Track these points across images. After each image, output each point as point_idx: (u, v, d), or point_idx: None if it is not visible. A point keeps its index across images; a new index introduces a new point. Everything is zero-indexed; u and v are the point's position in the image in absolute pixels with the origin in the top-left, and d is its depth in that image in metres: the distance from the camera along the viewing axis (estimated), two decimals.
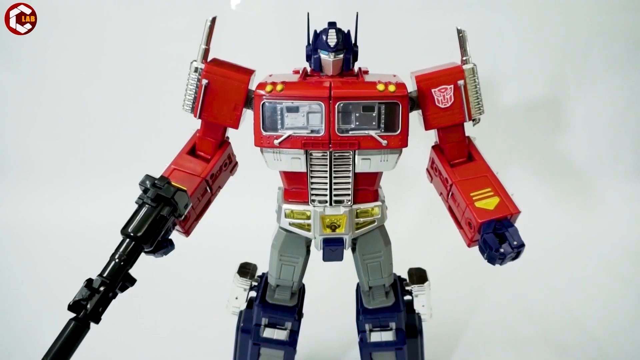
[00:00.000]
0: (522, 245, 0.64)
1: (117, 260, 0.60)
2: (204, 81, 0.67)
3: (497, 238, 0.64)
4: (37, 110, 1.57)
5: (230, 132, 0.75)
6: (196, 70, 0.68)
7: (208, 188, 0.74)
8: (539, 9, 1.38)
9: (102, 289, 0.58)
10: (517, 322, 1.14)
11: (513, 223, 0.66)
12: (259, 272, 0.86)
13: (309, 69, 0.71)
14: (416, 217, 1.53)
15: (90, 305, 0.57)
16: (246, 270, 0.84)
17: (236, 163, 0.79)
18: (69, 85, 1.53)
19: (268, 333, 0.80)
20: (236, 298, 0.84)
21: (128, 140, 1.55)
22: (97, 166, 1.59)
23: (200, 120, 0.72)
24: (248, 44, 1.39)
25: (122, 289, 0.61)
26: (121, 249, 0.60)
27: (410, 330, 0.83)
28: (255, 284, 0.83)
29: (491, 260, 0.66)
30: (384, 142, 0.64)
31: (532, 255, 1.35)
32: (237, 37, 1.40)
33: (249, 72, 0.70)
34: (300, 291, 0.84)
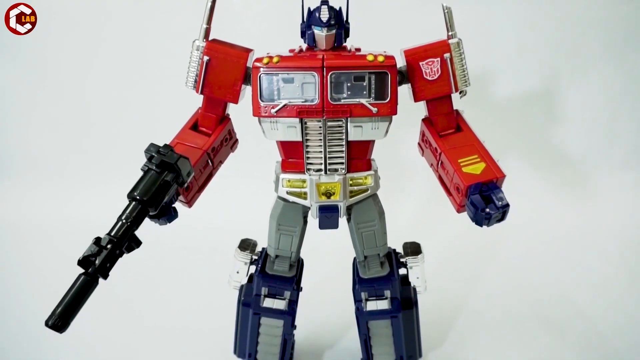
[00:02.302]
0: (506, 205, 0.67)
1: (124, 220, 0.63)
2: (205, 58, 0.72)
3: (483, 200, 0.68)
4: (38, 107, 1.60)
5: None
6: (198, 48, 0.72)
7: (209, 161, 0.78)
8: (532, 2, 1.42)
9: (109, 246, 0.61)
10: (512, 304, 1.16)
11: (499, 186, 0.70)
12: (258, 248, 0.89)
13: (304, 47, 0.75)
14: (414, 210, 1.56)
15: (98, 261, 0.60)
16: (246, 245, 0.87)
17: (236, 140, 0.83)
18: (70, 81, 1.56)
19: (268, 303, 0.83)
20: (237, 272, 0.87)
21: (130, 137, 1.58)
22: (99, 163, 1.62)
23: (201, 98, 0.76)
24: (246, 29, 1.44)
25: (129, 250, 0.65)
26: (128, 211, 0.64)
27: (406, 302, 0.86)
28: (256, 257, 0.86)
29: (478, 221, 0.69)
30: (375, 110, 0.68)
31: (528, 244, 1.39)
32: (236, 21, 1.44)
33: (248, 50, 0.74)
34: (299, 264, 0.87)
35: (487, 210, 0.67)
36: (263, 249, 0.87)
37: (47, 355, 0.98)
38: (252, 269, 0.87)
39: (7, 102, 1.61)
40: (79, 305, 0.59)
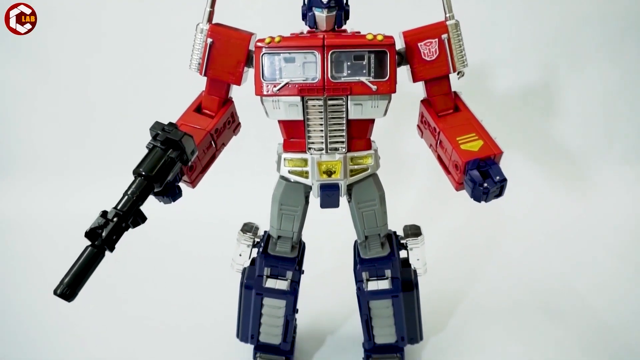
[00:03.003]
0: (504, 180, 0.69)
1: (129, 195, 0.65)
2: (209, 40, 0.74)
3: (481, 175, 0.69)
4: (39, 103, 1.62)
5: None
6: (201, 31, 0.74)
7: (213, 142, 0.79)
8: None
9: (115, 219, 0.63)
10: (513, 293, 1.17)
11: (497, 162, 0.71)
12: (260, 232, 0.91)
13: (305, 30, 0.77)
14: (415, 203, 1.57)
15: (105, 233, 0.62)
16: (249, 228, 0.89)
17: (239, 124, 0.85)
18: (71, 77, 1.58)
19: (270, 283, 0.84)
20: (240, 255, 0.89)
21: (131, 133, 1.58)
22: (100, 159, 1.64)
23: (204, 83, 0.78)
24: (249, 17, 1.46)
25: (135, 224, 0.66)
26: (133, 187, 0.66)
27: (406, 284, 0.87)
28: (258, 240, 0.88)
29: (476, 197, 0.70)
30: (374, 88, 0.70)
31: (529, 236, 1.40)
32: (238, 7, 1.46)
33: (250, 34, 0.76)
34: (300, 246, 0.88)
35: (485, 185, 0.68)
36: (265, 232, 0.89)
37: (48, 352, 0.99)
38: (255, 252, 0.88)
39: (9, 98, 1.62)
40: (86, 275, 0.61)
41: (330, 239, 1.23)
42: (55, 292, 0.59)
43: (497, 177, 0.68)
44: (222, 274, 0.99)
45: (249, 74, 0.77)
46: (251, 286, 0.86)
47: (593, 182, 1.55)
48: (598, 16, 1.46)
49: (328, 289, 1.18)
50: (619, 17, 1.46)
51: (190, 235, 1.45)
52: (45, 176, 1.66)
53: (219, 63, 0.75)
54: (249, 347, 0.95)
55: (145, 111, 1.59)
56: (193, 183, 0.79)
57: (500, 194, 0.71)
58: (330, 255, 1.28)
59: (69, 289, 0.59)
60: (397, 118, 1.54)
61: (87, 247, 0.62)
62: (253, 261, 0.89)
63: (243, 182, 1.56)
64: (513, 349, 0.99)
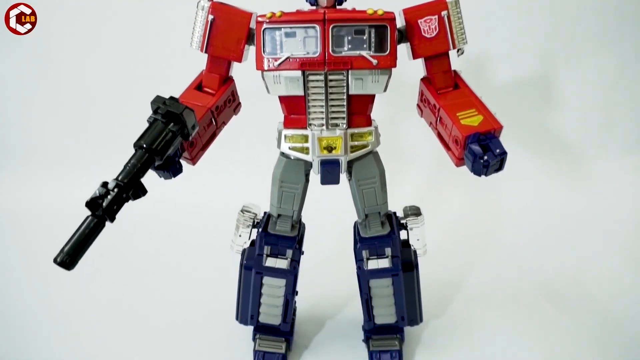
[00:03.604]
0: (504, 152, 0.69)
1: (130, 166, 0.65)
2: (210, 17, 0.74)
3: (481, 149, 0.69)
4: (39, 95, 1.62)
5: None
6: (203, 8, 0.75)
7: (213, 120, 0.80)
8: None
9: (116, 190, 0.63)
10: (514, 279, 1.18)
11: (496, 137, 0.72)
12: (261, 214, 0.90)
13: (306, 8, 0.78)
14: (415, 195, 1.57)
15: (105, 203, 0.62)
16: (249, 208, 0.89)
17: (239, 103, 0.85)
18: (71, 69, 1.58)
19: (270, 262, 0.84)
20: (239, 236, 0.89)
21: (131, 125, 1.60)
22: (100, 150, 1.62)
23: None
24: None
25: (135, 196, 0.66)
26: (134, 159, 0.66)
27: (406, 265, 0.87)
28: (258, 221, 0.88)
29: (476, 171, 0.70)
30: (375, 62, 0.70)
31: (529, 227, 1.41)
32: None
33: (250, 12, 0.76)
34: (300, 226, 0.88)
35: (485, 157, 0.68)
36: (265, 212, 0.89)
37: (46, 341, 0.98)
38: (254, 233, 0.88)
39: (9, 90, 1.62)
40: (86, 244, 0.61)
41: (330, 227, 1.23)
42: (55, 261, 0.59)
43: (497, 150, 0.69)
44: (220, 262, 1.00)
45: (250, 51, 0.77)
46: (251, 266, 0.86)
47: (592, 173, 1.56)
48: (595, 7, 1.47)
49: (328, 276, 1.18)
50: (616, 8, 1.47)
51: (188, 226, 1.45)
52: (45, 168, 1.65)
53: (219, 40, 0.75)
54: (248, 331, 0.95)
55: (146, 104, 1.59)
56: (193, 160, 0.79)
57: (500, 167, 0.71)
58: (331, 242, 1.28)
59: (69, 257, 0.59)
60: (396, 110, 1.56)
61: (87, 217, 0.62)
62: (253, 242, 0.89)
63: (242, 174, 1.56)
64: (513, 333, 0.99)
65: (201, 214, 1.48)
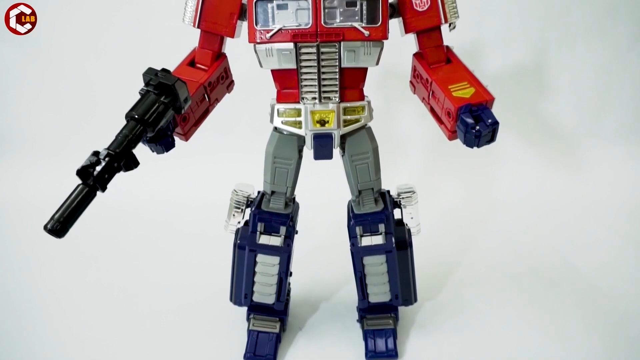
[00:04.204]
0: (496, 122, 0.69)
1: (121, 137, 0.65)
2: None
3: (473, 120, 0.69)
4: (39, 84, 1.61)
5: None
6: None
7: (206, 96, 0.80)
8: None
9: (107, 159, 0.63)
10: (509, 263, 1.19)
11: (488, 107, 0.72)
12: (254, 194, 0.90)
13: None
14: (409, 181, 1.57)
15: (96, 171, 0.61)
16: (242, 188, 0.89)
17: (232, 81, 0.85)
18: (71, 58, 1.58)
19: (264, 240, 0.84)
20: (233, 216, 0.88)
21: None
22: (99, 141, 1.60)
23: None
24: None
25: (127, 168, 0.66)
26: (126, 130, 0.66)
27: (400, 244, 0.87)
28: (252, 200, 0.87)
29: (468, 141, 0.71)
30: (367, 33, 0.70)
31: (523, 214, 1.41)
32: None
33: None
34: (294, 205, 0.88)
35: (477, 127, 0.69)
36: (259, 192, 0.89)
37: (44, 333, 0.97)
38: (248, 213, 0.88)
39: (8, 78, 1.61)
40: (77, 212, 0.60)
41: (325, 213, 1.22)
42: (45, 227, 0.59)
43: (489, 120, 0.69)
44: (214, 249, 0.99)
45: (243, 27, 0.77)
46: (244, 246, 0.85)
47: (585, 160, 1.56)
48: None
49: (322, 261, 1.18)
50: None
51: (182, 215, 1.44)
52: (44, 158, 1.65)
53: (212, 15, 0.75)
54: (243, 312, 0.95)
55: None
56: (186, 135, 0.79)
57: (492, 139, 0.71)
58: (325, 228, 1.28)
59: (60, 224, 0.59)
60: (391, 100, 1.56)
61: (78, 185, 0.61)
62: (246, 223, 0.89)
63: (235, 164, 1.55)
64: (507, 313, 1.00)
65: (195, 203, 1.48)
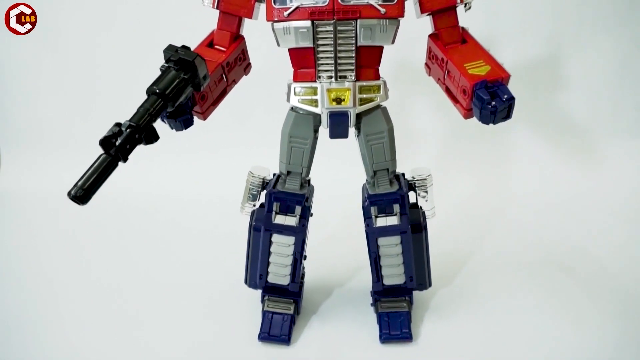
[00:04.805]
0: (512, 98, 0.69)
1: (142, 110, 0.66)
2: None
3: (489, 95, 0.70)
4: (44, 76, 1.63)
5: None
6: None
7: (224, 76, 0.81)
8: None
9: (128, 130, 0.64)
10: (524, 251, 1.18)
11: (504, 84, 0.72)
12: (269, 176, 0.91)
13: None
14: None
15: (119, 141, 0.63)
16: (259, 169, 0.90)
17: (249, 64, 0.87)
18: (78, 51, 1.59)
19: (279, 220, 0.85)
20: (249, 197, 0.89)
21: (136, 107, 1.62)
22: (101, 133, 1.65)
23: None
24: None
25: (147, 141, 0.68)
26: (147, 103, 0.67)
27: (415, 227, 0.87)
28: (267, 181, 0.88)
29: (484, 117, 0.71)
30: (383, 11, 0.71)
31: (538, 207, 1.40)
32: None
33: None
34: (310, 187, 0.89)
35: (493, 103, 0.69)
36: (274, 174, 0.90)
37: (49, 327, 0.96)
38: (263, 196, 0.89)
39: (15, 72, 1.63)
40: (99, 181, 0.62)
41: (340, 202, 1.22)
42: (69, 194, 0.60)
43: (505, 96, 0.69)
44: (223, 245, 0.99)
45: (261, 9, 0.79)
46: (259, 227, 0.86)
47: (600, 155, 1.55)
48: None
49: (337, 250, 1.18)
50: None
51: (194, 210, 1.44)
52: (50, 151, 1.66)
53: None
54: (257, 295, 0.95)
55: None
56: (204, 114, 0.81)
57: (508, 115, 0.71)
58: (340, 217, 1.28)
59: (83, 191, 0.60)
60: (406, 95, 1.57)
61: (100, 155, 0.63)
62: (262, 205, 0.90)
63: (246, 158, 1.57)
64: (522, 299, 0.99)
65: (205, 199, 1.47)
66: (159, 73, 0.70)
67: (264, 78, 1.12)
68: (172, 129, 0.77)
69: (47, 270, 1.15)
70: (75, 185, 0.60)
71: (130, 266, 1.16)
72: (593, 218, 1.34)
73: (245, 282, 0.93)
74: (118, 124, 0.65)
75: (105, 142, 0.63)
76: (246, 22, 0.81)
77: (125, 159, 0.64)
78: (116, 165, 0.63)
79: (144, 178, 1.53)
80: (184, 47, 0.71)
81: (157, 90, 0.67)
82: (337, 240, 1.23)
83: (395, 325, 0.88)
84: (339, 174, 1.25)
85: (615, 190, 1.46)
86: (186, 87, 0.70)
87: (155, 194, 1.52)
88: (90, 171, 0.61)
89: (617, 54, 1.51)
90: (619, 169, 1.52)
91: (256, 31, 0.84)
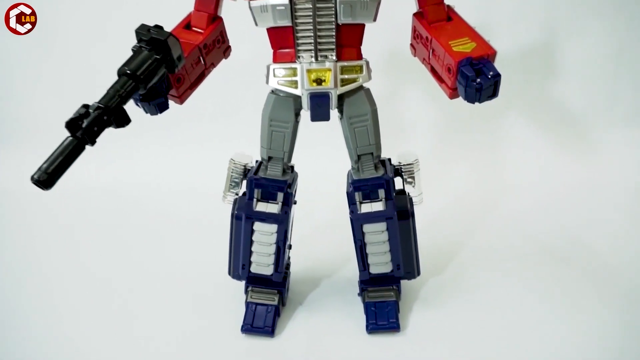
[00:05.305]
0: (497, 75, 0.67)
1: (112, 91, 0.64)
2: None
3: (474, 72, 0.67)
4: (42, 71, 1.60)
5: None
6: None
7: (202, 59, 0.78)
8: None
9: (97, 111, 0.61)
10: (516, 244, 1.14)
11: (490, 61, 0.69)
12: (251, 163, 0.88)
13: None
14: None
15: (86, 123, 0.60)
16: (240, 156, 0.87)
17: (229, 47, 0.84)
18: (77, 47, 1.57)
19: (261, 207, 0.82)
20: (231, 185, 0.87)
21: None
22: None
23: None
24: None
25: (118, 124, 0.65)
26: (117, 85, 0.65)
27: (402, 213, 0.84)
28: (249, 169, 0.86)
29: (469, 96, 0.68)
30: None
31: (533, 198, 1.38)
32: None
33: None
34: (293, 173, 0.86)
35: (478, 80, 0.66)
36: (257, 161, 0.87)
37: (43, 318, 0.94)
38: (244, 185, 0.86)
39: (11, 64, 1.60)
40: (65, 165, 0.59)
41: (326, 191, 1.19)
42: (32, 178, 0.58)
43: (491, 73, 0.66)
44: (212, 231, 0.97)
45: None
46: (241, 216, 0.83)
47: (596, 144, 1.52)
48: None
49: (323, 240, 1.15)
50: None
51: (179, 200, 1.41)
52: (47, 147, 1.64)
53: None
54: (241, 286, 0.92)
55: None
56: (181, 98, 0.78)
57: (494, 94, 0.69)
58: (326, 207, 1.25)
59: (47, 175, 0.57)
60: (398, 84, 1.54)
61: (67, 137, 0.60)
62: (245, 193, 0.87)
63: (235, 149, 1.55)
64: (515, 289, 0.96)
65: (192, 190, 1.44)
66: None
67: (254, 68, 1.10)
68: (146, 112, 0.74)
69: (32, 260, 1.13)
70: (39, 169, 0.58)
71: (115, 258, 1.13)
72: (589, 208, 1.31)
73: (229, 273, 0.91)
74: (85, 106, 0.62)
75: (71, 124, 0.60)
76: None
77: (92, 142, 0.61)
78: (83, 148, 0.61)
79: (131, 169, 1.51)
80: (156, 26, 0.68)
81: (128, 71, 0.65)
82: (324, 229, 1.20)
83: (383, 315, 0.85)
84: (326, 160, 1.22)
85: (613, 181, 1.43)
86: (159, 68, 0.67)
87: (143, 185, 1.49)
88: (55, 154, 0.59)
89: (613, 40, 1.48)
90: (616, 158, 1.49)
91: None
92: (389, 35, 1.23)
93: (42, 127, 1.65)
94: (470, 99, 0.68)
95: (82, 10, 1.54)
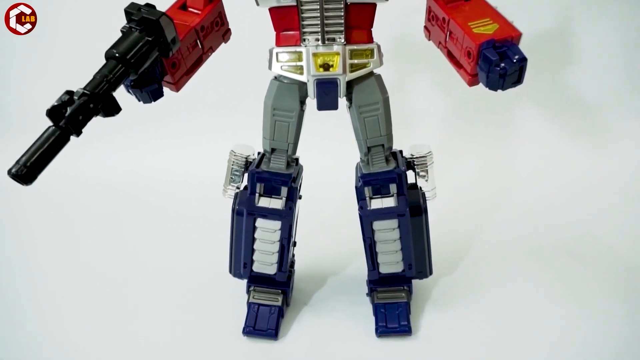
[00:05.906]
0: (524, 58, 0.60)
1: (99, 77, 0.58)
2: None
3: (497, 56, 0.61)
4: (44, 63, 1.56)
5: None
6: None
7: (199, 42, 0.72)
8: None
9: (82, 99, 0.56)
10: (528, 239, 1.09)
11: (515, 44, 0.63)
12: (253, 156, 0.83)
13: None
14: None
15: (69, 111, 0.55)
16: (242, 148, 0.81)
17: (229, 30, 0.78)
18: (78, 40, 1.51)
19: (263, 202, 0.77)
20: (231, 178, 0.81)
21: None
22: (102, 120, 1.59)
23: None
24: None
25: (106, 113, 0.59)
26: (105, 70, 0.59)
27: (414, 209, 0.79)
28: (251, 161, 0.80)
29: (492, 82, 0.62)
30: None
31: (545, 189, 1.32)
32: None
33: None
34: (297, 166, 0.80)
35: (502, 65, 0.60)
36: (259, 152, 0.81)
37: (41, 313, 0.91)
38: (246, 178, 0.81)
39: (12, 56, 1.56)
40: (46, 158, 0.54)
41: (334, 185, 1.14)
42: (9, 172, 0.52)
43: (517, 57, 0.60)
44: (213, 226, 0.93)
45: None
46: (242, 211, 0.78)
47: (612, 136, 1.45)
48: None
49: (330, 236, 1.11)
50: None
51: (181, 194, 1.36)
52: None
53: None
54: (243, 285, 0.87)
55: None
56: (177, 84, 0.72)
57: (519, 80, 0.62)
58: (334, 202, 1.20)
59: (26, 169, 0.52)
60: (403, 73, 1.48)
61: (48, 127, 0.55)
62: (246, 187, 0.81)
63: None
64: (528, 289, 0.92)
65: (195, 184, 1.40)
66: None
67: (255, 52, 1.04)
68: (138, 100, 0.68)
69: (29, 253, 1.10)
70: (17, 162, 0.52)
71: (113, 253, 1.09)
72: (603, 201, 1.25)
73: (230, 272, 0.86)
74: (69, 92, 0.56)
75: (53, 112, 0.55)
76: None
77: (78, 133, 0.56)
78: (67, 139, 0.55)
79: (129, 162, 1.45)
80: (148, 5, 0.62)
81: (117, 54, 0.59)
82: (331, 225, 1.15)
83: (393, 318, 0.80)
84: (334, 153, 1.17)
85: (626, 174, 1.37)
86: (151, 52, 0.62)
87: (141, 179, 1.44)
88: (35, 146, 0.53)
89: (629, 30, 1.41)
90: (631, 151, 1.43)
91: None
92: (398, 21, 1.17)
93: (41, 125, 1.61)
94: (493, 85, 0.62)
95: (82, 10, 1.49)
